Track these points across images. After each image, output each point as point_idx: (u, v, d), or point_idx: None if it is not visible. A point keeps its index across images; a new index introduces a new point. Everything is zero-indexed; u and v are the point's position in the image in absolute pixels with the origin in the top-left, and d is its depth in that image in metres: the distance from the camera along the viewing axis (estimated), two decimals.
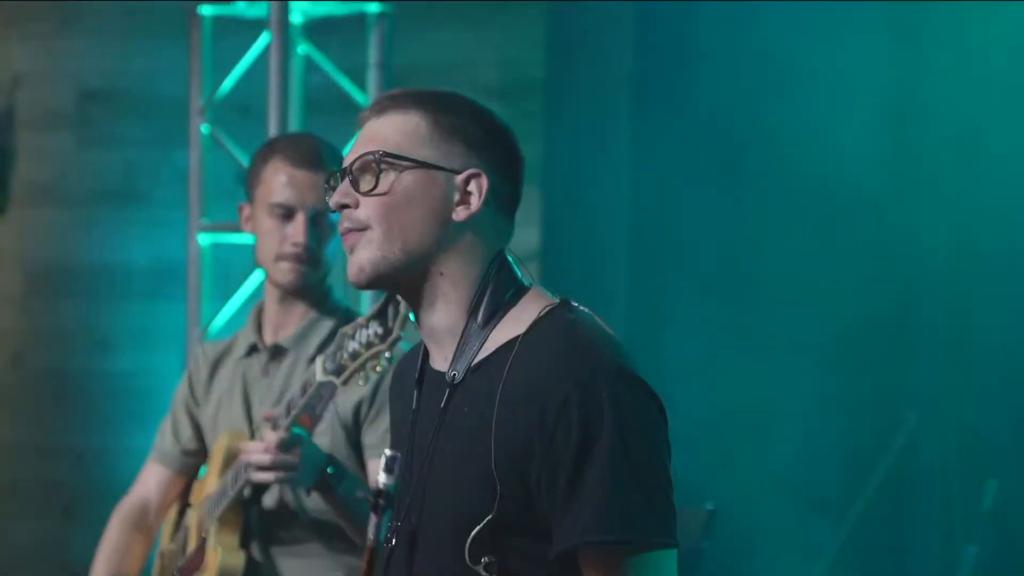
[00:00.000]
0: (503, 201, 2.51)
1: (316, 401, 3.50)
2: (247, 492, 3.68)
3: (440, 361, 2.53)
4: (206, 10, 5.48)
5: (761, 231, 6.28)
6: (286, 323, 3.85)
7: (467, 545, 2.38)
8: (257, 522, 3.73)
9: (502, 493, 2.37)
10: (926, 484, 6.19)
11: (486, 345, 2.46)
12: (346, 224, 2.49)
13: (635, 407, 2.36)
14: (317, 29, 5.55)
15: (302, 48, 5.49)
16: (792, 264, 6.23)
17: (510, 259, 2.52)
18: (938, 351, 6.21)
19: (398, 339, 3.13)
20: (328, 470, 3.55)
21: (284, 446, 3.49)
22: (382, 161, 2.46)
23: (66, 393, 6.30)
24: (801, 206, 6.21)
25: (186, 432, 3.96)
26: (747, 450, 6.11)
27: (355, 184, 2.48)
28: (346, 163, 2.50)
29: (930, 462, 6.17)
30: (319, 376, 3.38)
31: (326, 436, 3.69)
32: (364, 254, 2.47)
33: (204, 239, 5.42)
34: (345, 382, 3.31)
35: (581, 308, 2.49)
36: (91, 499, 5.98)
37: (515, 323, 2.46)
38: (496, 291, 2.48)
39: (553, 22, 6.00)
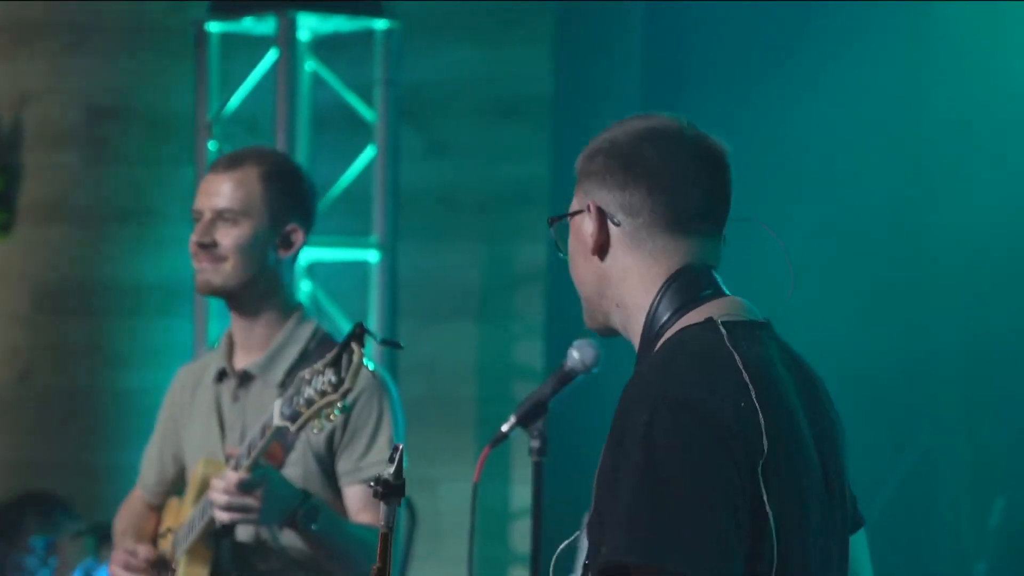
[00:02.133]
0: (649, 216, 2.46)
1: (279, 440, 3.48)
2: (218, 525, 3.59)
3: None
4: (213, 27, 5.50)
5: (773, 240, 6.23)
6: (250, 345, 3.75)
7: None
8: (229, 555, 3.65)
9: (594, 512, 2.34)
10: (937, 501, 6.16)
11: None
12: None
13: (673, 436, 2.26)
14: (324, 46, 5.56)
15: (309, 65, 5.50)
16: (804, 279, 6.19)
17: (696, 273, 2.48)
18: (952, 369, 6.18)
19: (349, 390, 3.13)
20: (302, 508, 3.48)
21: (244, 487, 3.42)
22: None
23: (75, 410, 6.29)
24: (814, 217, 6.17)
25: (152, 468, 3.96)
26: None
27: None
28: None
29: (942, 479, 6.15)
30: (276, 420, 3.35)
31: (299, 467, 3.64)
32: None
33: None
34: (300, 429, 3.29)
35: (719, 324, 2.41)
36: (100, 516, 5.97)
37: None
38: (656, 315, 2.43)
39: (562, 39, 5.99)
